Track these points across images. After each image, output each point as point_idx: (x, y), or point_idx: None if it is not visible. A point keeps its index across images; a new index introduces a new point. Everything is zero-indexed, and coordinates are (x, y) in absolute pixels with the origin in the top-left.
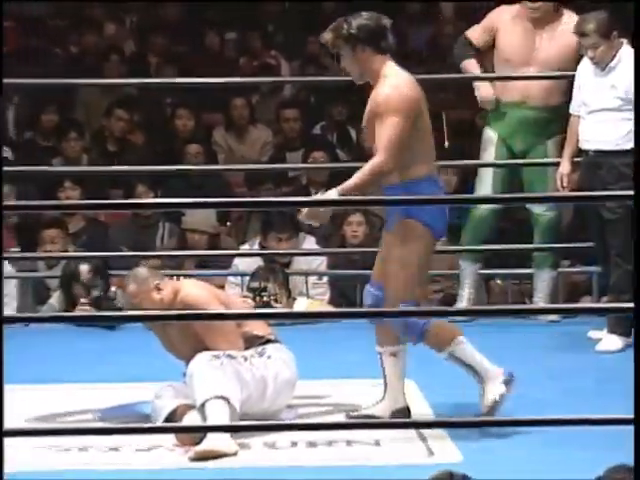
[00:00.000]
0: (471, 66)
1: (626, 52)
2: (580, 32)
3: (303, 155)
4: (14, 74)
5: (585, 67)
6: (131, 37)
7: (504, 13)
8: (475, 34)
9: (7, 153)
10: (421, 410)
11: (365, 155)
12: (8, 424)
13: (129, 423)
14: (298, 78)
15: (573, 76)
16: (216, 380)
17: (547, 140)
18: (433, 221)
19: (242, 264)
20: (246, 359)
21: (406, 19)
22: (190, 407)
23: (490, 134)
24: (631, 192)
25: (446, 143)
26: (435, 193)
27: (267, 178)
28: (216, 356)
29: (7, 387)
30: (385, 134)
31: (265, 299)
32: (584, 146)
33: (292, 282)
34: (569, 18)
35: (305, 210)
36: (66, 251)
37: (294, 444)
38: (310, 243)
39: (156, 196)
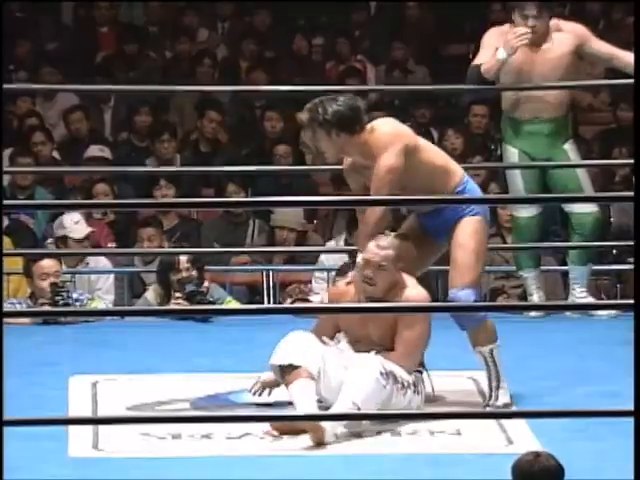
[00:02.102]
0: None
1: None
2: None
3: None
4: (111, 77)
5: None
6: (223, 43)
7: (497, 36)
8: (486, 59)
9: (105, 153)
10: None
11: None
12: (108, 412)
13: (222, 412)
14: (381, 87)
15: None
16: (366, 397)
17: (563, 145)
18: (485, 211)
19: (328, 260)
20: (403, 387)
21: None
22: (307, 373)
23: (510, 149)
24: (631, 193)
25: None
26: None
27: None
28: (386, 375)
29: (105, 377)
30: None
31: None
32: None
33: None
34: (555, 26)
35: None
36: (161, 247)
37: (379, 433)
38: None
39: (246, 195)
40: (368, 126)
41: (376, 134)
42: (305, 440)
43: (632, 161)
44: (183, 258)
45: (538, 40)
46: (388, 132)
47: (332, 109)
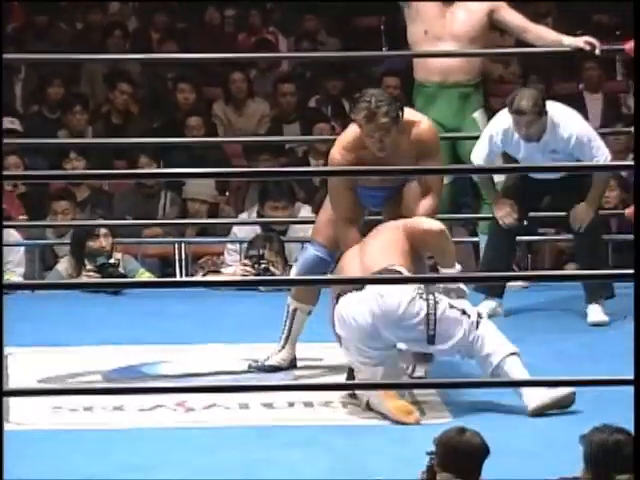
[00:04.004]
0: None
1: (554, 116)
2: (516, 110)
3: (300, 127)
4: (21, 49)
5: (509, 135)
6: (134, 14)
7: None
8: None
9: (15, 125)
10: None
11: None
12: (18, 385)
13: (134, 384)
14: (295, 55)
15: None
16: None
17: (473, 114)
18: None
19: (240, 232)
20: None
21: None
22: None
23: None
24: (630, 162)
25: None
26: None
27: (264, 149)
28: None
29: (16, 350)
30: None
31: (263, 266)
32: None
33: (288, 249)
34: None
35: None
36: (74, 219)
37: (291, 404)
38: (306, 211)
39: (158, 167)
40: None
41: (423, 131)
42: (219, 411)
43: None
44: (103, 231)
45: (451, 2)
46: (435, 131)
47: (393, 101)
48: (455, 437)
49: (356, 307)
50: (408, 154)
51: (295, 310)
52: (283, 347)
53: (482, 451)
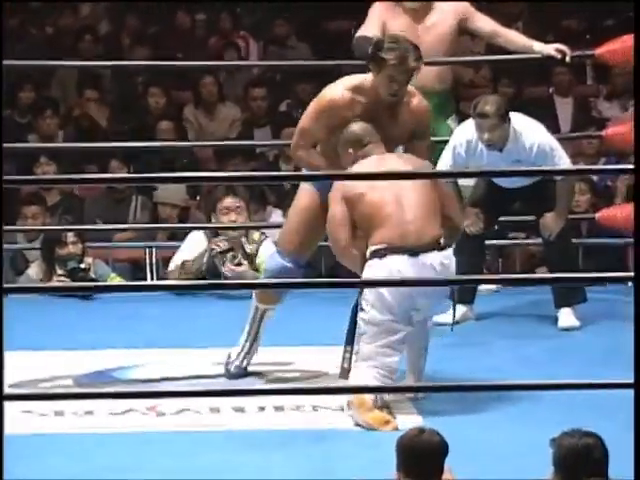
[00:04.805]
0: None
1: (516, 125)
2: (479, 113)
3: (271, 131)
4: None
5: (472, 146)
6: (105, 18)
7: (383, 8)
8: (371, 32)
9: None
10: None
11: None
12: None
13: (105, 388)
14: (265, 62)
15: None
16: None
17: (446, 121)
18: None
19: None
20: None
21: None
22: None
23: None
24: (631, 166)
25: None
26: None
27: (235, 153)
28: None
29: None
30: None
31: (236, 262)
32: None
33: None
34: (439, 5)
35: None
36: (45, 224)
37: (262, 409)
38: (277, 216)
39: (129, 171)
40: None
41: (420, 105)
42: (190, 416)
43: None
44: (70, 235)
45: (421, 16)
46: (429, 111)
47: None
48: (414, 438)
49: (408, 267)
50: (404, 125)
51: (265, 311)
52: (255, 349)
53: (442, 449)
